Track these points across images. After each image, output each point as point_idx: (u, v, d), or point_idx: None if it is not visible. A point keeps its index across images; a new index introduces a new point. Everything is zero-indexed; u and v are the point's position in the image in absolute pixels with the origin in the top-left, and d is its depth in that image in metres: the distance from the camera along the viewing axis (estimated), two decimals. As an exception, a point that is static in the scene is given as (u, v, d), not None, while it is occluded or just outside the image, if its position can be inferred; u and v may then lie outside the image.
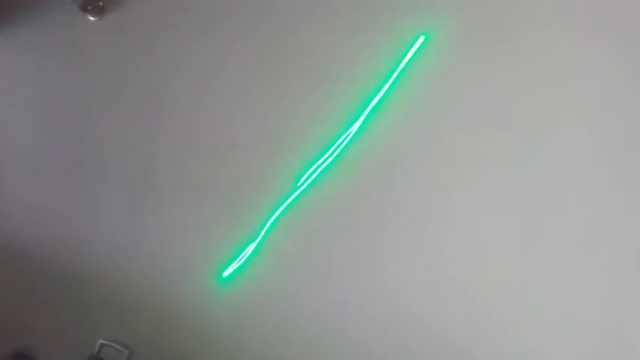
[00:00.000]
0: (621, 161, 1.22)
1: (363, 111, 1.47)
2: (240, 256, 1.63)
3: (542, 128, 1.29)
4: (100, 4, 1.95)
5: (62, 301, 2.04)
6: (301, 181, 1.55)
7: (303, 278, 1.57)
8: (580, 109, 1.26)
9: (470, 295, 1.36)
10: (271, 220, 1.59)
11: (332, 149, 1.51)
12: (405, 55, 1.39)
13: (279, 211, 1.58)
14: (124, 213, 1.91)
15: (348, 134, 1.48)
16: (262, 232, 1.60)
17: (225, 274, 1.65)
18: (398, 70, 1.40)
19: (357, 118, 1.48)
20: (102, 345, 1.62)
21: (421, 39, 1.38)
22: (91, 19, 1.99)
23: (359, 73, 1.49)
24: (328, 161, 1.52)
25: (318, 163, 1.53)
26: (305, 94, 1.58)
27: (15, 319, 2.19)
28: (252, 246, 1.61)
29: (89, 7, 1.95)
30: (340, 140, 1.50)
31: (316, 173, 1.53)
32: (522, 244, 1.31)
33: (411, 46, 1.38)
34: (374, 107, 1.45)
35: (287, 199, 1.57)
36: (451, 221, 1.39)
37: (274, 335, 1.62)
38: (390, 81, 1.42)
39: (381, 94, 1.44)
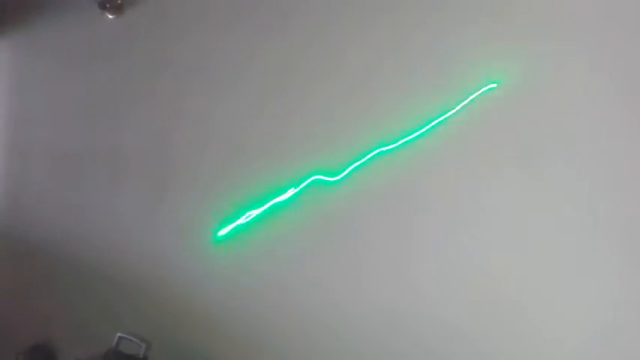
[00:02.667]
0: (626, 164, 1.22)
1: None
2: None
3: (548, 137, 1.29)
4: (119, 1, 1.97)
5: (81, 295, 2.07)
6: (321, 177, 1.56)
7: (322, 271, 1.57)
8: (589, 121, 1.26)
9: (485, 292, 1.35)
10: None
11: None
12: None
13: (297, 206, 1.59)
14: (143, 208, 1.93)
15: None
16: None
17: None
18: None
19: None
20: (120, 338, 1.63)
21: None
22: (110, 16, 2.00)
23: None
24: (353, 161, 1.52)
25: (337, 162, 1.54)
26: (330, 100, 1.58)
27: (35, 313, 2.22)
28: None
29: (107, 5, 1.96)
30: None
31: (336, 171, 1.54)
32: (535, 243, 1.30)
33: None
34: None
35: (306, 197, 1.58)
36: (468, 223, 1.38)
37: (293, 330, 1.62)
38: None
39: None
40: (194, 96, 1.83)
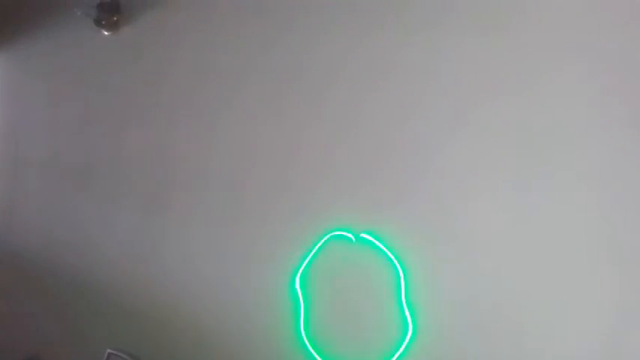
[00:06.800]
0: (623, 165, 1.23)
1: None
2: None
3: (545, 145, 1.30)
4: (114, 18, 1.99)
5: (72, 310, 2.06)
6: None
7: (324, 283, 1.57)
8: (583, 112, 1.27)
9: (478, 300, 1.36)
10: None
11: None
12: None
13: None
14: (138, 222, 1.93)
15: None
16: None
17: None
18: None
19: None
20: (110, 354, 1.63)
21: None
22: (106, 33, 2.03)
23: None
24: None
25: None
26: (327, 111, 1.60)
27: (25, 327, 2.21)
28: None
29: (103, 22, 1.99)
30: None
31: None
32: (529, 250, 1.31)
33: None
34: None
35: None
36: (464, 232, 1.38)
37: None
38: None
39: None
40: (189, 110, 1.84)
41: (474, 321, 1.36)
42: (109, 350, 1.64)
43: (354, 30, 1.55)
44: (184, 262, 1.81)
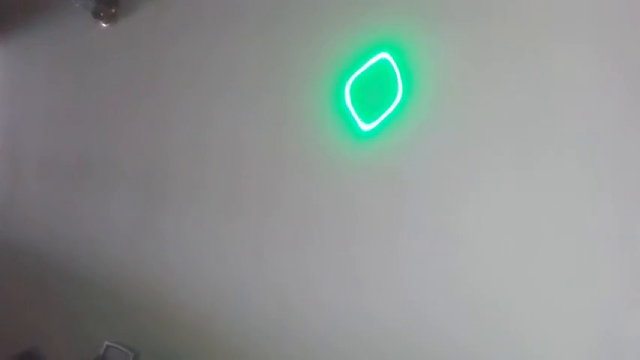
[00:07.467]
0: (620, 164, 1.23)
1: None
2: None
3: (543, 135, 1.29)
4: (112, 10, 1.99)
5: (70, 303, 2.06)
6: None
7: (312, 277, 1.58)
8: (579, 111, 1.26)
9: (474, 296, 1.36)
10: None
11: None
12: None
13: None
14: (135, 215, 1.93)
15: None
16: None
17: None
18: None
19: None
20: (108, 347, 1.63)
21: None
22: (104, 25, 2.02)
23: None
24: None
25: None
26: (312, 101, 1.60)
27: (23, 320, 2.22)
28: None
29: (101, 14, 1.98)
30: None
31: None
32: (525, 246, 1.31)
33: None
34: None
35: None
36: (458, 225, 1.38)
37: (284, 338, 1.63)
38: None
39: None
40: (186, 102, 1.84)
41: (472, 320, 1.36)
42: (107, 343, 1.64)
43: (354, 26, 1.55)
44: (183, 255, 1.81)
